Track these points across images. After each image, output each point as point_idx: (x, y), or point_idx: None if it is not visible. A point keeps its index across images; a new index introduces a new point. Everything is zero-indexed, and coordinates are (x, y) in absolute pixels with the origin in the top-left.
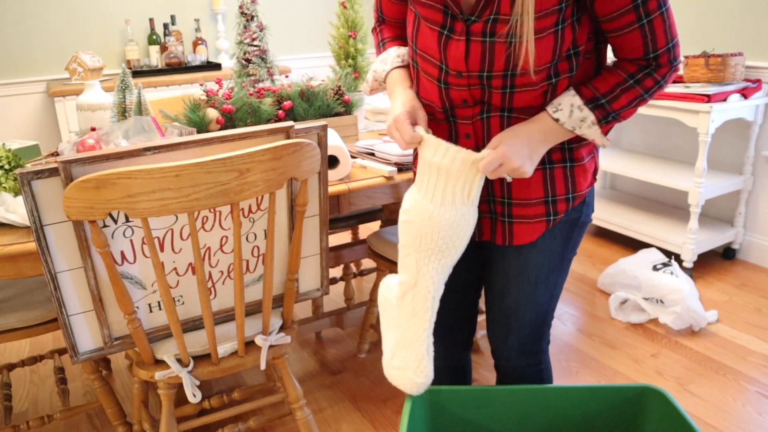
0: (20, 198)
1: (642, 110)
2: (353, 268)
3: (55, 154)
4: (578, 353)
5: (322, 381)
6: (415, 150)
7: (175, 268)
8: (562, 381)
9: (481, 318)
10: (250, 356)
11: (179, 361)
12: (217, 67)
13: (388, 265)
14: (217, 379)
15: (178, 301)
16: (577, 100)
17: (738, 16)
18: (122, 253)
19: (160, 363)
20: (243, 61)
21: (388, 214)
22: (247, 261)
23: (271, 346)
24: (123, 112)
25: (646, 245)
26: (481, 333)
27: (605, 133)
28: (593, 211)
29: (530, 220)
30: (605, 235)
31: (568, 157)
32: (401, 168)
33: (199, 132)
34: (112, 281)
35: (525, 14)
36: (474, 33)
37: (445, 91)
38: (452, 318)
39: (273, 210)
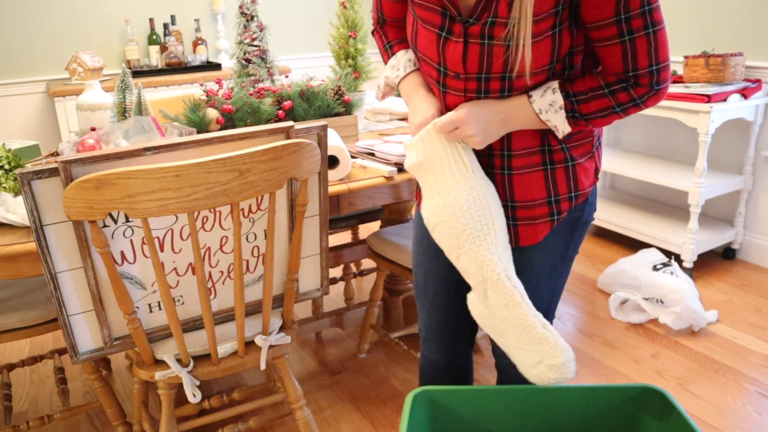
0: (20, 198)
1: (642, 110)
2: (353, 268)
3: (55, 154)
4: (578, 353)
5: (322, 381)
6: None
7: (175, 268)
8: None
9: None
10: (250, 356)
11: (179, 361)
12: (217, 67)
13: (388, 265)
14: (217, 379)
15: (178, 301)
16: (555, 84)
17: (738, 16)
18: (122, 253)
19: (160, 363)
20: (243, 61)
21: (388, 214)
22: (247, 261)
23: (271, 346)
24: (123, 112)
25: (646, 245)
26: (481, 333)
27: (574, 131)
28: (596, 210)
29: (535, 222)
30: (605, 235)
31: (569, 157)
32: (401, 168)
33: (199, 132)
34: (112, 281)
35: (523, 19)
36: (472, 35)
37: (443, 95)
38: (453, 316)
39: (273, 210)
